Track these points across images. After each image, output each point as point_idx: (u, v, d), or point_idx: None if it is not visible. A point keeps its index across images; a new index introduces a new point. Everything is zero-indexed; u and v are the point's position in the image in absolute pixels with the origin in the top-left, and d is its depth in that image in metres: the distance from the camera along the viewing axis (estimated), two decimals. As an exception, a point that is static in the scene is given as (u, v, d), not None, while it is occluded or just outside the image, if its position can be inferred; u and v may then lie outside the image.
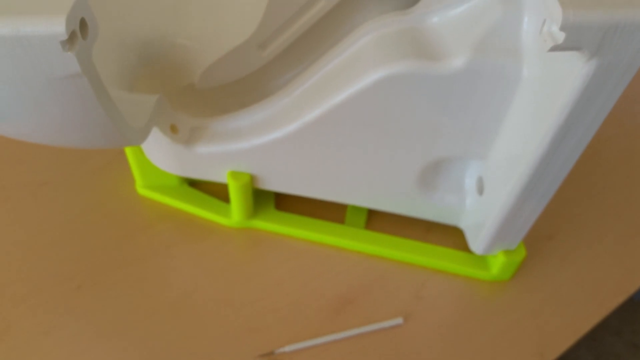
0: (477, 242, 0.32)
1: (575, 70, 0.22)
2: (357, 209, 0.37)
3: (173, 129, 0.31)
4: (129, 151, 0.35)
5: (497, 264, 0.33)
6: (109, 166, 0.38)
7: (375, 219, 0.36)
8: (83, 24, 0.19)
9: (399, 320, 0.32)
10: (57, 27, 0.18)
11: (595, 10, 0.19)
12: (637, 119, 0.44)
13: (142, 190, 0.37)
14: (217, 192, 0.37)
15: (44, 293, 0.32)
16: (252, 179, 0.33)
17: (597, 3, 0.20)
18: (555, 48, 0.20)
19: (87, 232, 0.35)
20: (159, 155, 0.33)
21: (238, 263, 0.34)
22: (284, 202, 0.37)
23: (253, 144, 0.31)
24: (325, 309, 0.32)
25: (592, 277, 0.35)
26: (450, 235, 0.36)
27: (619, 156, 0.41)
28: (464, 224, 0.34)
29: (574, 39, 0.20)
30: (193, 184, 0.37)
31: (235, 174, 0.33)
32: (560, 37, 0.20)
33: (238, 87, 0.33)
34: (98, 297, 0.32)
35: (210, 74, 0.31)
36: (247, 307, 0.32)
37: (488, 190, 0.31)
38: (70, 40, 0.18)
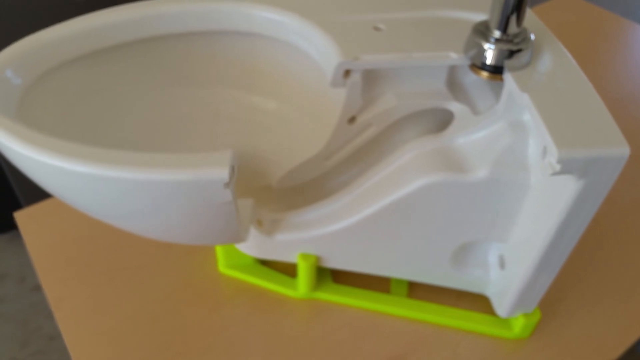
0: (501, 307, 0.40)
1: (569, 184, 0.31)
2: (399, 281, 0.45)
3: (259, 223, 0.39)
4: (215, 239, 0.43)
5: (518, 325, 0.40)
6: (193, 250, 0.46)
7: (415, 289, 0.44)
8: (233, 168, 0.28)
9: (441, 374, 0.39)
10: (223, 176, 0.27)
11: (581, 149, 0.28)
12: (624, 198, 0.53)
13: (223, 269, 0.45)
14: (283, 268, 0.45)
15: None
16: (317, 259, 0.41)
17: (581, 141, 0.28)
18: (554, 174, 0.29)
19: (180, 306, 0.43)
20: (244, 243, 0.41)
21: (304, 329, 0.42)
22: (340, 276, 0.45)
23: (321, 233, 0.39)
24: (380, 366, 0.39)
25: (595, 333, 0.42)
26: (477, 302, 0.43)
27: (612, 231, 0.50)
28: (489, 292, 0.41)
29: (566, 168, 0.29)
30: (264, 262, 0.46)
31: (304, 256, 0.41)
32: (557, 167, 0.29)
33: (305, 186, 0.42)
34: (197, 361, 0.39)
35: (286, 178, 0.40)
36: (317, 366, 0.39)
37: (508, 265, 0.39)
38: (229, 181, 0.27)
